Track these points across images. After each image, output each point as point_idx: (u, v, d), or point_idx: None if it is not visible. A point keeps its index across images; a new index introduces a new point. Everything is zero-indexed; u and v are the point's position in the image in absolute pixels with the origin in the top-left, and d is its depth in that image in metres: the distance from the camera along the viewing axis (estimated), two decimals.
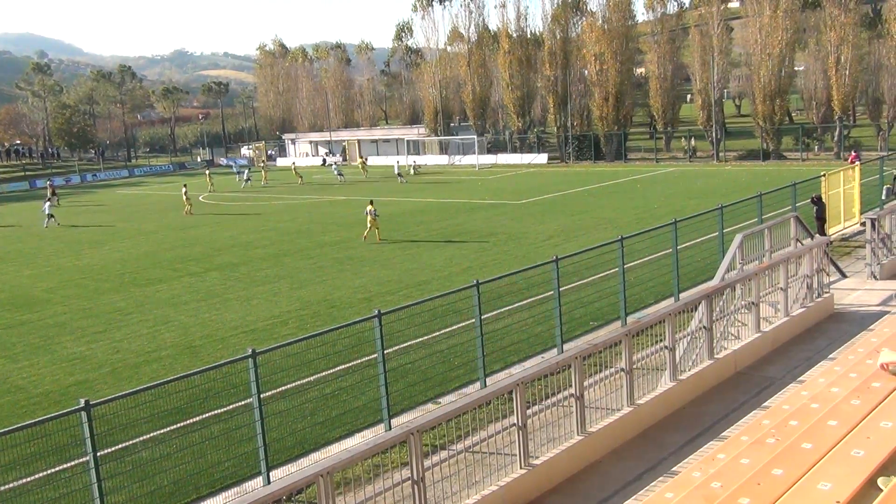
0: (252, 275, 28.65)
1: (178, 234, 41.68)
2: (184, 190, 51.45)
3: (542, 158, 75.54)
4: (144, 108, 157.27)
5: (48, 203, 50.56)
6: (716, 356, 12.98)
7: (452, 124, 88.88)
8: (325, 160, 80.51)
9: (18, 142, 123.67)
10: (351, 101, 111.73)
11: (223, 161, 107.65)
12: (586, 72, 73.22)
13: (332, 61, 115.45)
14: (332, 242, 34.51)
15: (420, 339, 17.71)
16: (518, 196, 47.15)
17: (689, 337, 13.06)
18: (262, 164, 74.63)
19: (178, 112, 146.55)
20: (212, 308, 24.12)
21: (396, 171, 64.74)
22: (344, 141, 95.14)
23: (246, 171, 71.45)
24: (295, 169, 68.68)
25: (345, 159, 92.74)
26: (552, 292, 17.20)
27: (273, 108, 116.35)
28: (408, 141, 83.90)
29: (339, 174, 67.49)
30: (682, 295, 19.72)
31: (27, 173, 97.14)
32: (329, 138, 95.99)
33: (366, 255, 30.65)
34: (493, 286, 17.86)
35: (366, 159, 75.04)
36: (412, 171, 69.43)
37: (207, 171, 71.46)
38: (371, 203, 35.02)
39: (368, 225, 33.88)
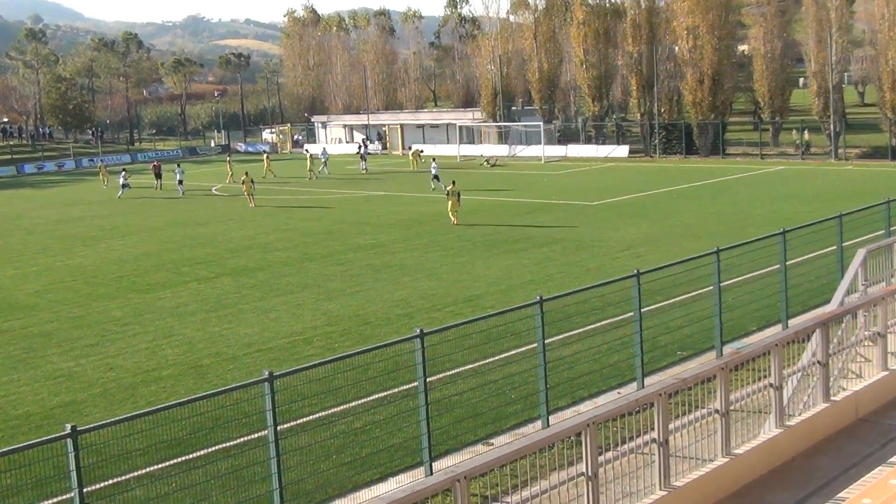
0: (271, 282, 29.14)
1: (186, 231, 42.30)
2: (245, 179, 50.80)
3: (621, 151, 75.23)
4: (151, 83, 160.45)
5: (123, 179, 58.64)
6: (832, 398, 12.79)
7: (514, 108, 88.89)
8: (361, 147, 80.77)
9: (6, 119, 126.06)
10: (393, 79, 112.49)
11: (240, 146, 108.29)
12: (677, 48, 72.68)
13: (373, 31, 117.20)
14: (367, 246, 35.07)
15: (470, 366, 17.75)
16: (591, 196, 47.50)
17: (799, 373, 12.92)
18: (264, 153, 75.00)
19: (191, 88, 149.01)
20: (222, 320, 24.47)
21: (433, 174, 64.57)
22: (384, 126, 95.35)
23: (318, 156, 71.11)
24: (310, 157, 68.16)
25: (384, 147, 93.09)
26: (632, 314, 17.27)
27: (301, 84, 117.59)
28: (460, 127, 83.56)
29: (324, 163, 68.82)
30: (791, 322, 19.68)
31: (14, 156, 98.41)
32: (367, 122, 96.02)
33: (407, 261, 31.35)
34: (559, 304, 17.62)
35: (420, 150, 74.54)
36: (486, 164, 70.37)
37: (228, 158, 71.89)
38: (453, 183, 39.56)
39: (450, 206, 38.53)
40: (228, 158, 71.80)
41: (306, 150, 75.77)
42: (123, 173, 60.66)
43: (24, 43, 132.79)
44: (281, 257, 33.61)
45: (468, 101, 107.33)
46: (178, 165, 62.94)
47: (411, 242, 35.59)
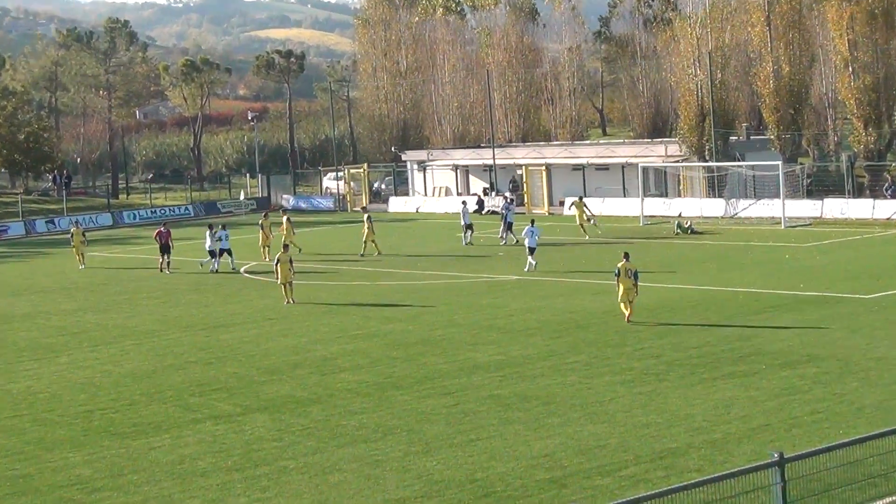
0: (333, 423, 29.21)
1: (197, 337, 42.91)
2: (282, 256, 49.50)
3: None
4: (148, 99, 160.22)
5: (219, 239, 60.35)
6: None
7: (733, 138, 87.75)
8: (481, 202, 78.54)
9: None
10: (536, 91, 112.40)
11: (287, 200, 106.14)
12: None
13: (502, 15, 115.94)
14: (491, 365, 34.85)
15: None
16: (866, 285, 46.77)
17: None
18: (282, 211, 71.30)
19: (210, 107, 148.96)
20: (252, 486, 24.52)
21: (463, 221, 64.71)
22: (519, 167, 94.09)
23: (467, 216, 70.15)
24: (368, 218, 65.96)
25: (511, 201, 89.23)
26: None
27: (387, 101, 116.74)
28: (644, 169, 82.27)
29: (467, 229, 67.74)
30: None
31: None
32: (491, 160, 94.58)
33: (556, 391, 31.08)
34: (812, 467, 18.41)
35: (590, 215, 70.83)
36: (684, 229, 69.86)
37: (262, 220, 68.36)
38: (626, 257, 40.49)
39: (620, 293, 39.85)
40: (262, 221, 68.43)
41: (464, 203, 73.38)
42: (216, 232, 60.95)
43: None
44: (349, 383, 33.52)
45: (657, 128, 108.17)
46: (221, 227, 62.42)
47: (563, 360, 34.94)
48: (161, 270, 61.84)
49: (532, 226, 56.42)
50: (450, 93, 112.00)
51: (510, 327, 40.81)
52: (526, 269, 54.06)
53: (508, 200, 76.39)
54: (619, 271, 39.94)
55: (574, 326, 40.03)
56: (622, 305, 39.87)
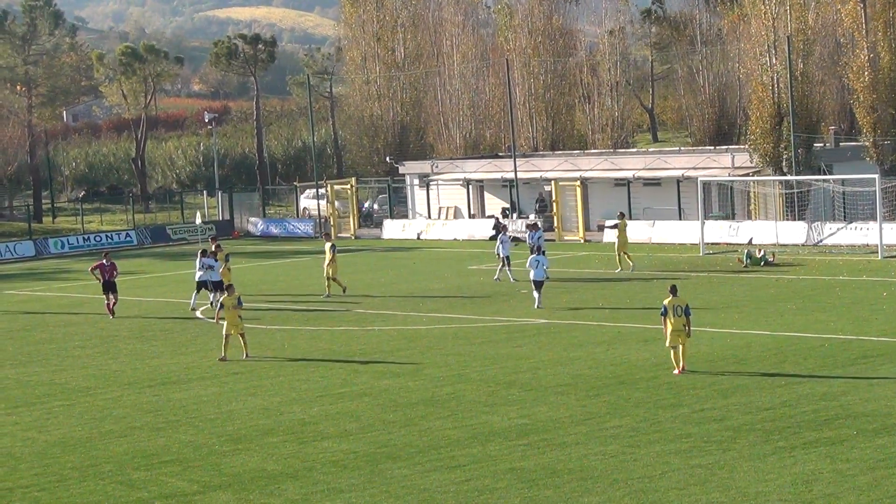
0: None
1: (142, 396, 42.57)
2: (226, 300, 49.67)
3: None
4: (77, 97, 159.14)
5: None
6: None
7: (818, 144, 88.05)
8: (498, 226, 78.72)
9: None
10: (567, 86, 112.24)
11: (256, 225, 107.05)
12: None
13: None
14: (510, 430, 34.57)
15: None
16: None
17: None
18: (212, 243, 70.37)
19: (157, 107, 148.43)
20: None
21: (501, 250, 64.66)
22: (546, 182, 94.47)
23: (504, 245, 69.42)
24: (332, 248, 65.73)
25: (543, 223, 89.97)
26: None
27: (379, 99, 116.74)
28: (704, 184, 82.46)
29: (504, 261, 67.42)
30: None
31: None
32: (512, 174, 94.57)
33: (592, 463, 30.72)
34: None
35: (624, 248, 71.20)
36: (746, 261, 69.90)
37: (215, 244, 68.18)
38: (673, 291, 41.21)
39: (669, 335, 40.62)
40: (204, 251, 67.00)
41: (500, 222, 73.20)
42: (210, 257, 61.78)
43: None
44: (333, 453, 33.18)
45: (721, 133, 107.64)
46: (212, 251, 62.89)
47: (602, 424, 34.76)
48: (111, 314, 61.74)
49: (538, 254, 56.92)
50: (459, 88, 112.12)
51: (536, 384, 40.55)
52: (536, 307, 55.58)
53: (502, 227, 77.32)
54: (665, 309, 40.59)
55: (616, 382, 39.76)
56: (672, 353, 40.33)
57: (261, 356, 48.59)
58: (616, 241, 69.93)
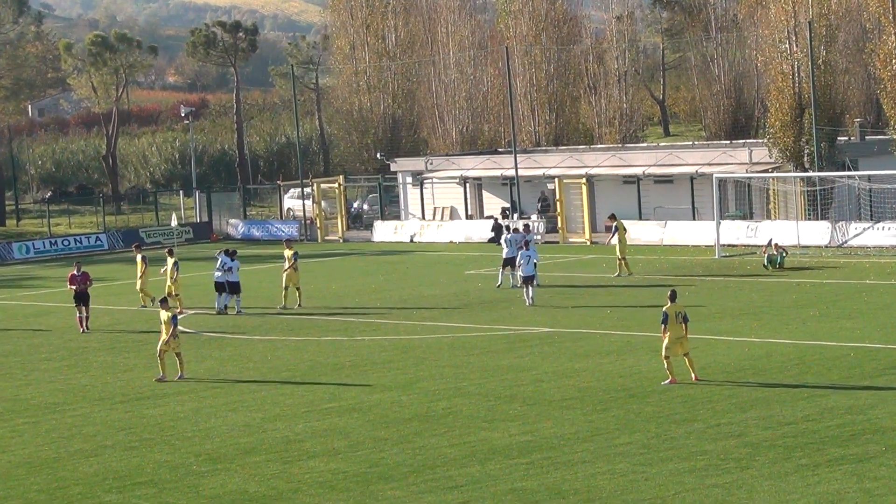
0: None
1: (114, 413, 42.83)
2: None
3: None
4: (43, 90, 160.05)
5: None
6: None
7: (842, 138, 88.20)
8: (498, 228, 78.13)
9: None
10: (572, 76, 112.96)
11: (236, 227, 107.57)
12: None
13: None
14: (511, 449, 34.72)
15: None
16: None
17: None
18: (135, 247, 71.63)
19: (130, 100, 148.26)
20: None
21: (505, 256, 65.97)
22: (549, 180, 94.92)
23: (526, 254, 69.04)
24: (294, 255, 66.16)
25: (548, 224, 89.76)
26: None
27: (369, 91, 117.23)
28: (720, 181, 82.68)
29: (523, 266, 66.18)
30: None
31: None
32: (512, 171, 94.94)
33: (601, 482, 30.79)
34: None
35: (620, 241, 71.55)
36: (766, 264, 70.35)
37: (140, 256, 68.99)
38: (672, 297, 41.40)
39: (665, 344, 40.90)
40: (226, 250, 68.40)
41: (505, 228, 72.75)
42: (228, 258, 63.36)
43: None
44: (320, 473, 33.24)
45: (738, 126, 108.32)
46: (227, 253, 63.61)
47: (611, 441, 34.68)
48: (79, 328, 61.34)
49: (527, 248, 57.61)
50: (456, 79, 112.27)
51: (539, 397, 40.73)
52: (528, 304, 57.03)
53: (511, 220, 76.67)
54: (666, 316, 40.79)
55: (626, 396, 39.89)
56: (666, 363, 40.56)
57: (242, 369, 49.06)
58: (618, 244, 70.01)
